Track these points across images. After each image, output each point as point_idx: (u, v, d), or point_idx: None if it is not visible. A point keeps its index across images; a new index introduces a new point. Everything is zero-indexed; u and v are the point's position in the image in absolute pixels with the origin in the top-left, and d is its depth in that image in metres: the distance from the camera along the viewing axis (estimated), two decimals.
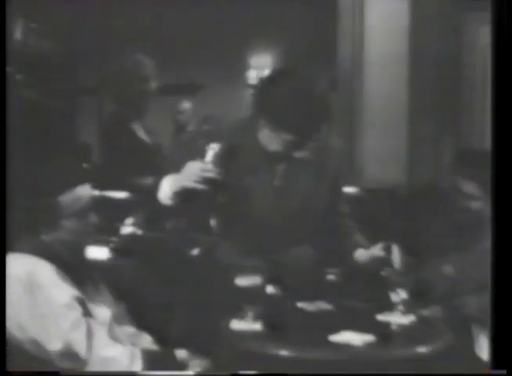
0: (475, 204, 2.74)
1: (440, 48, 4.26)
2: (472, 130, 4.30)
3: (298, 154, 2.50)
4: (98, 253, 2.78)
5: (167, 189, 2.46)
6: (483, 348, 2.58)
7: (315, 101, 2.40)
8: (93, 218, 2.21)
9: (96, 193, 2.29)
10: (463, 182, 2.75)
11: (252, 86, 8.36)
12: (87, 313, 2.12)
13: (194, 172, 2.39)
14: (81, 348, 2.05)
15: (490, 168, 2.70)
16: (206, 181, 2.37)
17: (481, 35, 4.30)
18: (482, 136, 4.25)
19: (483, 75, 4.30)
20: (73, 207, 2.16)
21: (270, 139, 2.47)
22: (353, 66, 4.42)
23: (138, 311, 2.35)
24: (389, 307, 2.50)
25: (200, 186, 2.38)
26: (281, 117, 2.39)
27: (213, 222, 2.72)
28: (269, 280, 2.30)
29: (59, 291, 2.08)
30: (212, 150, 2.44)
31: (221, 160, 2.41)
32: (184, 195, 2.42)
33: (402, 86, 4.27)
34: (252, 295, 2.32)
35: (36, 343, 2.04)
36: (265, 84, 2.52)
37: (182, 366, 2.22)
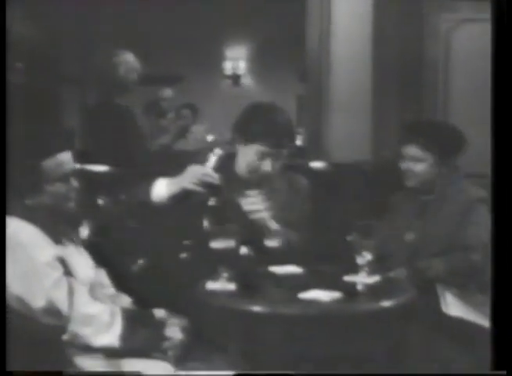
0: (419, 166, 2.83)
1: (403, 33, 4.33)
2: (435, 110, 4.38)
3: (266, 167, 2.67)
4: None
5: (163, 190, 2.56)
6: (450, 306, 2.65)
7: (283, 126, 2.70)
8: (75, 183, 2.25)
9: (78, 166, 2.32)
10: (407, 147, 2.86)
11: (228, 77, 8.45)
12: (68, 273, 2.16)
13: (196, 175, 2.51)
14: (62, 305, 2.10)
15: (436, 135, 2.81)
16: (206, 185, 2.50)
17: (442, 21, 4.38)
18: (446, 116, 4.33)
19: (445, 58, 4.38)
20: (56, 173, 2.19)
21: (245, 151, 2.69)
22: (320, 54, 4.50)
23: (118, 274, 2.40)
24: (355, 270, 2.58)
25: (199, 189, 2.49)
26: (254, 134, 2.66)
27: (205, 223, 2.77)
28: (243, 242, 2.35)
29: (41, 250, 2.12)
30: (215, 155, 2.55)
31: (222, 165, 2.60)
32: (181, 197, 2.53)
33: (367, 69, 4.35)
34: (226, 257, 2.37)
35: (20, 300, 2.08)
36: (244, 114, 2.76)
37: (160, 324, 2.27)
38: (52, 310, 2.09)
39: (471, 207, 2.79)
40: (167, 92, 6.21)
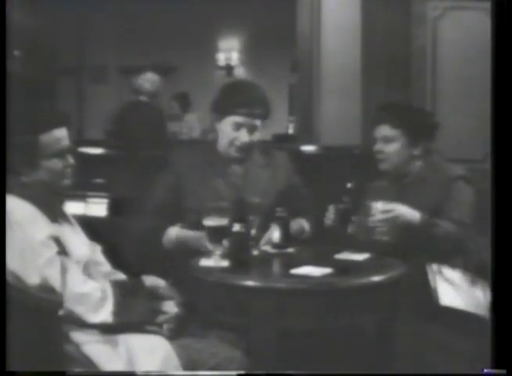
0: (391, 147, 2.77)
1: (391, 21, 4.32)
2: (423, 96, 4.37)
3: (243, 137, 2.72)
4: (75, 207, 2.79)
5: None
6: (440, 286, 2.59)
7: (255, 98, 2.76)
8: (71, 160, 2.21)
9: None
10: (379, 128, 2.80)
11: (221, 68, 8.43)
12: (62, 252, 2.12)
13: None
14: (55, 283, 2.06)
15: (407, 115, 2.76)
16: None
17: (429, 9, 4.37)
18: (433, 102, 4.33)
19: (432, 45, 4.37)
20: (52, 148, 2.15)
21: (223, 127, 2.75)
22: (311, 44, 4.51)
23: (113, 252, 2.36)
24: (346, 248, 2.57)
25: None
26: (228, 107, 2.74)
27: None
28: (235, 220, 2.31)
29: (37, 229, 2.08)
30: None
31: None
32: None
33: (356, 57, 4.35)
34: (219, 235, 2.35)
35: (17, 277, 2.04)
36: (219, 92, 2.82)
37: (154, 300, 2.24)
38: (46, 287, 2.05)
39: (451, 186, 2.74)
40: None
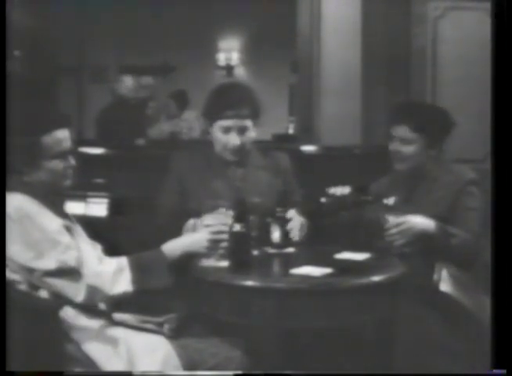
0: (409, 148, 2.75)
1: (391, 21, 4.33)
2: (423, 96, 4.37)
3: (233, 140, 2.67)
4: (76, 207, 2.80)
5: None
6: (442, 281, 2.57)
7: (240, 99, 2.70)
8: (72, 161, 2.21)
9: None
10: (397, 128, 2.76)
11: (221, 68, 8.44)
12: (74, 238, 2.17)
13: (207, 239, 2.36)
14: (75, 264, 2.10)
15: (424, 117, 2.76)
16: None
17: (429, 9, 4.38)
18: (433, 102, 4.32)
19: (432, 45, 4.38)
20: (53, 149, 2.16)
21: (213, 133, 2.70)
22: (311, 44, 4.51)
23: (114, 251, 2.37)
24: (347, 248, 2.57)
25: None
26: (214, 112, 2.69)
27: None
28: (235, 220, 2.31)
29: (48, 220, 2.11)
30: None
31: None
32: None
33: (356, 57, 4.36)
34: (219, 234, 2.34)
35: (31, 270, 2.07)
36: (206, 99, 2.77)
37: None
38: (63, 270, 2.08)
39: (463, 191, 2.72)
40: (147, 80, 6.15)
